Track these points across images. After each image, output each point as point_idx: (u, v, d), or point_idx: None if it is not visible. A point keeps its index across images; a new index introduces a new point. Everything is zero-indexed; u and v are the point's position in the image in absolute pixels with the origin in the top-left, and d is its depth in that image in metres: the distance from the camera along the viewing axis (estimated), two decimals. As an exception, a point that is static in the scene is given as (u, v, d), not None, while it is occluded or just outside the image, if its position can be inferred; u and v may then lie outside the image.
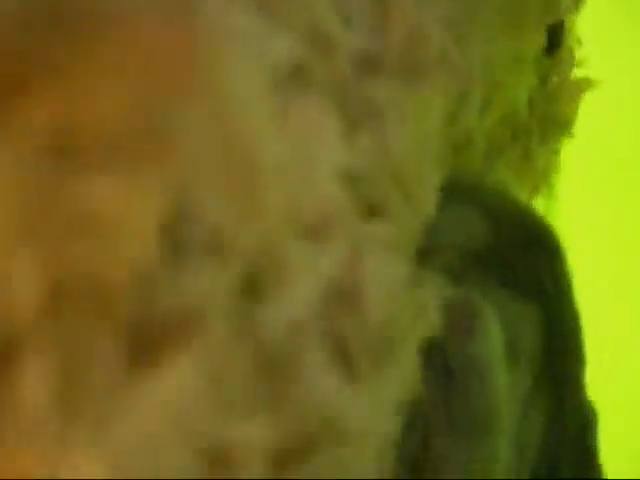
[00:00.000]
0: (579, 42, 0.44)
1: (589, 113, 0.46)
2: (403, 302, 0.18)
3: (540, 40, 0.40)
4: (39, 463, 0.10)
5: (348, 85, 0.15)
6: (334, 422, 0.14)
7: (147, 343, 0.12)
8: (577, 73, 0.45)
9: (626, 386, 0.46)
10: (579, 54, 0.44)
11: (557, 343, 0.29)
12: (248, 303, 0.12)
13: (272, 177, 0.13)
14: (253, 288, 0.12)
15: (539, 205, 0.46)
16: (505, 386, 0.26)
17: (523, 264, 0.28)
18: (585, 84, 0.45)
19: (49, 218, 0.11)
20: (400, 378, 0.16)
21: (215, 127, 0.12)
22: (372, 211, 0.17)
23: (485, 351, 0.26)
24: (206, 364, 0.12)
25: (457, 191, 0.29)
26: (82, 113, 0.11)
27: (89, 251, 0.11)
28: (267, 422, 0.12)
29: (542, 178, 0.44)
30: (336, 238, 0.16)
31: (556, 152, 0.45)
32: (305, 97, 0.14)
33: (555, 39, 0.42)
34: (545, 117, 0.44)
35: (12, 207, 0.10)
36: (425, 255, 0.27)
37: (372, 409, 0.16)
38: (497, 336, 0.27)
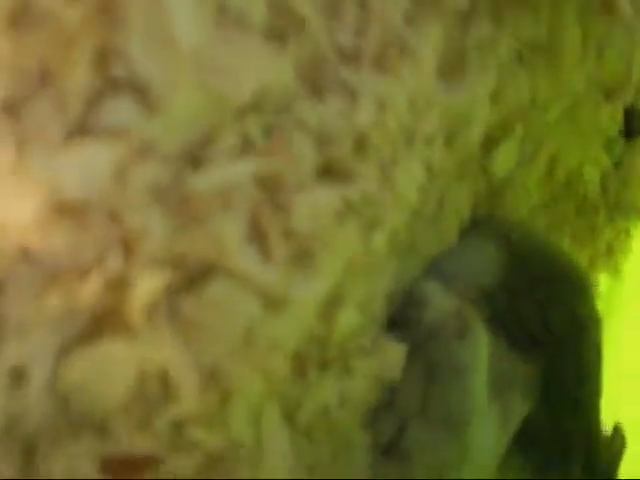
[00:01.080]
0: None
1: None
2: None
3: (611, 120, 0.42)
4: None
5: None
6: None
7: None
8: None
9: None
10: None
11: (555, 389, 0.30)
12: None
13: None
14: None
15: (602, 282, 0.46)
16: (483, 394, 0.28)
17: (532, 301, 0.30)
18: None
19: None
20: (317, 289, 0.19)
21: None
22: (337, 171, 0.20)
23: (470, 356, 0.28)
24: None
25: (484, 226, 0.31)
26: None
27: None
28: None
29: (607, 255, 0.45)
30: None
31: (626, 233, 0.46)
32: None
33: (635, 125, 0.44)
34: (616, 198, 0.45)
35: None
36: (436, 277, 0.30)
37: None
38: (483, 348, 0.29)
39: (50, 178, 0.14)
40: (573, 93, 0.36)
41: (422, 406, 0.28)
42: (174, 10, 0.15)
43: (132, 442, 0.17)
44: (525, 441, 0.30)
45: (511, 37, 0.28)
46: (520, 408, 0.29)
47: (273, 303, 0.19)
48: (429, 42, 0.24)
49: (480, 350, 0.28)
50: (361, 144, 0.23)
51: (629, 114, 0.44)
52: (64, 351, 0.16)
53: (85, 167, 0.15)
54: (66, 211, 0.15)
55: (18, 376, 0.15)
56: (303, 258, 0.19)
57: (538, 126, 0.34)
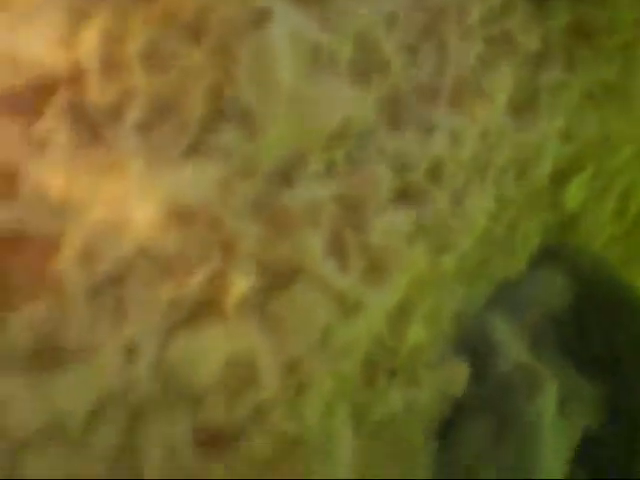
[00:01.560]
0: None
1: None
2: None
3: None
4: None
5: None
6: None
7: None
8: None
9: None
10: None
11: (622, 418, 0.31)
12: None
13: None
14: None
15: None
16: (550, 443, 0.30)
17: (599, 327, 0.31)
18: None
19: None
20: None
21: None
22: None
23: (539, 412, 0.30)
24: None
25: (553, 255, 0.33)
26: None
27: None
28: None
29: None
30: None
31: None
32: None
33: None
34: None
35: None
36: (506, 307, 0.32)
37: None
38: (552, 404, 0.30)
39: (169, 188, 0.18)
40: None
41: (494, 453, 0.29)
42: (276, 54, 0.18)
43: (221, 417, 0.20)
44: (593, 461, 0.32)
45: (582, 78, 0.30)
46: (581, 426, 0.30)
47: (348, 308, 0.21)
48: (501, 82, 0.27)
49: (549, 406, 0.30)
50: (435, 171, 0.25)
51: None
52: (170, 333, 0.19)
53: (197, 180, 0.18)
54: (179, 216, 0.18)
55: (131, 352, 0.18)
56: (376, 271, 0.22)
57: (610, 163, 0.36)
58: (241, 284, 0.19)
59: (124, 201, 0.17)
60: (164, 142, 0.17)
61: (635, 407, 0.33)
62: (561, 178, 0.34)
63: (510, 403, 0.30)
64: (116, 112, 0.17)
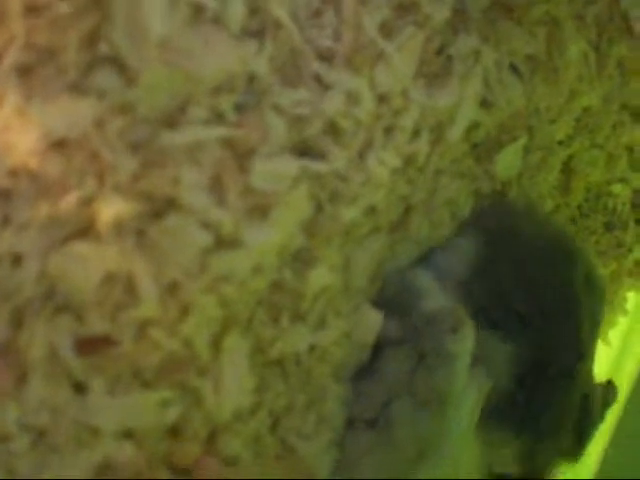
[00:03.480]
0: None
1: None
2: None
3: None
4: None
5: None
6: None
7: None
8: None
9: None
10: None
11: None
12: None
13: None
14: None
15: (630, 299, 0.48)
16: (464, 379, 0.32)
17: (517, 283, 0.33)
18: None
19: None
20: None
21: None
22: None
23: (459, 349, 0.32)
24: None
25: (475, 220, 0.35)
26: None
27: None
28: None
29: (635, 273, 0.47)
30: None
31: (658, 253, 0.47)
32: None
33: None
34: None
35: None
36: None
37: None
38: (470, 343, 0.32)
39: (47, 121, 0.20)
40: (584, 109, 0.39)
41: (409, 386, 0.31)
42: (146, 7, 0.21)
43: (99, 328, 0.22)
44: (510, 415, 0.33)
45: (502, 49, 0.32)
46: (487, 385, 0.32)
47: (226, 241, 0.24)
48: (406, 48, 0.29)
49: (468, 344, 0.32)
50: (332, 129, 0.28)
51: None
52: (50, 249, 0.21)
53: (74, 116, 0.21)
54: (57, 145, 0.21)
55: (16, 260, 0.21)
56: (256, 211, 0.24)
57: (546, 136, 0.38)
58: (113, 209, 0.21)
59: (6, 131, 0.20)
60: (42, 82, 0.20)
61: (563, 358, 0.34)
62: (493, 148, 0.36)
63: (431, 338, 0.31)
64: (-1, 56, 0.20)
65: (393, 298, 0.33)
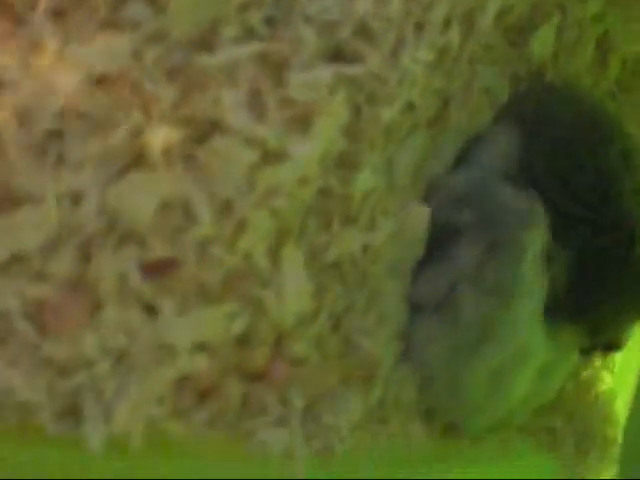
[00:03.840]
0: None
1: None
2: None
3: None
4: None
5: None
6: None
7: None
8: None
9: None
10: None
11: None
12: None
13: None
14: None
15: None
16: (532, 273, 0.32)
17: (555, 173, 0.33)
18: None
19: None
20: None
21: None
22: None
23: (530, 239, 0.32)
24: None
25: (512, 108, 0.34)
26: None
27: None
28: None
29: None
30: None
31: None
32: None
33: None
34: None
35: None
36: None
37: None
38: (541, 235, 0.32)
39: (86, 59, 0.21)
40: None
41: (476, 273, 0.32)
42: None
43: (162, 252, 0.23)
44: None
45: None
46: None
47: (271, 156, 0.25)
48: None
49: (540, 234, 0.32)
50: (363, 31, 0.27)
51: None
52: (107, 183, 0.22)
53: (111, 51, 0.21)
54: (99, 82, 0.21)
55: (75, 198, 0.22)
56: (297, 122, 0.25)
57: (578, 13, 0.37)
58: (161, 137, 0.22)
59: (50, 75, 0.21)
60: (77, 24, 0.21)
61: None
62: (524, 30, 0.36)
63: (505, 225, 0.32)
64: (33, 2, 0.20)
65: (465, 192, 0.33)
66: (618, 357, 0.47)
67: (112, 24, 0.21)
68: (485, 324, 0.32)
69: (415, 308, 0.33)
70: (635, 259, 0.34)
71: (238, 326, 0.27)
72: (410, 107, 0.31)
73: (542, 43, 0.35)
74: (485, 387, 0.32)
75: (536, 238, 0.32)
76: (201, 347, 0.26)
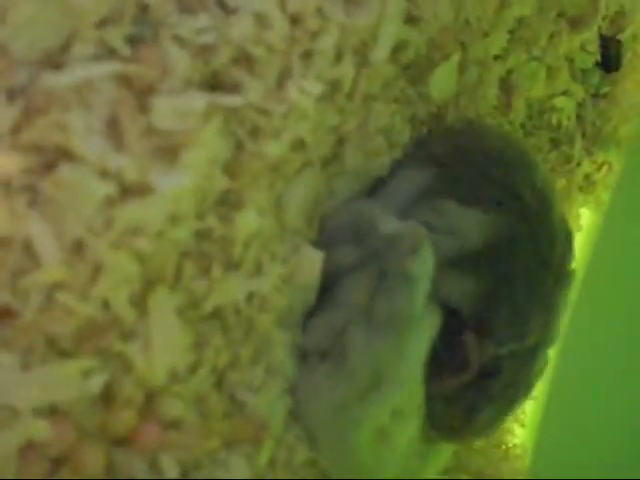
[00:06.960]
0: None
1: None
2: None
3: (582, 52, 0.42)
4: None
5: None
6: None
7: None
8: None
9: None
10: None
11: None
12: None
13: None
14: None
15: (584, 216, 0.47)
16: (422, 304, 0.30)
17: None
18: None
19: None
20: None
21: None
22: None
23: (419, 269, 0.30)
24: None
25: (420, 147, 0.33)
26: None
27: None
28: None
29: (586, 188, 0.45)
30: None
31: (608, 166, 0.46)
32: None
33: (612, 59, 0.43)
34: (594, 130, 0.45)
35: None
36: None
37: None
38: (430, 265, 0.30)
39: None
40: (518, 19, 0.37)
41: (367, 308, 0.30)
42: None
43: (6, 296, 0.20)
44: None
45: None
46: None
47: (131, 189, 0.22)
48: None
49: (428, 266, 0.30)
50: (242, 58, 0.25)
51: (606, 47, 0.43)
52: None
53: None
54: None
55: None
56: (163, 153, 0.22)
57: (480, 51, 0.36)
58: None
59: None
60: None
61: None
62: (423, 68, 0.34)
63: (392, 259, 0.30)
64: None
65: (347, 227, 0.31)
66: (529, 410, 0.45)
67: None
68: (374, 368, 0.30)
69: (302, 359, 0.31)
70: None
71: (96, 384, 0.23)
72: (300, 144, 0.28)
73: (442, 82, 0.34)
74: (371, 445, 0.29)
75: (425, 269, 0.30)
76: (50, 409, 0.23)
